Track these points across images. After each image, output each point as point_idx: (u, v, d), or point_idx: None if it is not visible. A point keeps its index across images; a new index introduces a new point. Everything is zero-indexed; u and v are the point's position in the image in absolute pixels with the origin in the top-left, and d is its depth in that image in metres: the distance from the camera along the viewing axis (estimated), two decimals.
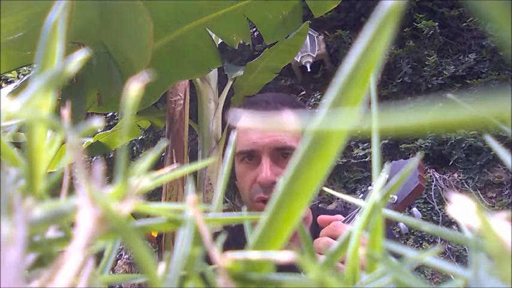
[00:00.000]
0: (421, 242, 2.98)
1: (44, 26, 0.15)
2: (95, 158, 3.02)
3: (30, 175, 0.14)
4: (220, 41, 1.98)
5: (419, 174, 0.63)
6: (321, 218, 0.65)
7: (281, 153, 0.81)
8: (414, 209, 0.64)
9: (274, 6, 1.65)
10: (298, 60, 3.78)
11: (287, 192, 0.12)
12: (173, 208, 0.15)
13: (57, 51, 0.16)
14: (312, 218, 0.88)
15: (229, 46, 1.82)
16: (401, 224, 0.65)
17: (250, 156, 0.82)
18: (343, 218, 0.65)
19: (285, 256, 0.12)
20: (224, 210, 0.18)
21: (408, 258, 0.15)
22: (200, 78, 2.37)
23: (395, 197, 0.62)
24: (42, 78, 0.14)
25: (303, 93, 3.88)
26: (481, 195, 3.04)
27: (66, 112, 0.15)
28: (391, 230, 0.83)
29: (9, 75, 4.28)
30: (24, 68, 2.74)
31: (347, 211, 0.85)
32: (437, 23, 3.56)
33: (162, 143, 0.18)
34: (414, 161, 0.65)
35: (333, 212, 0.96)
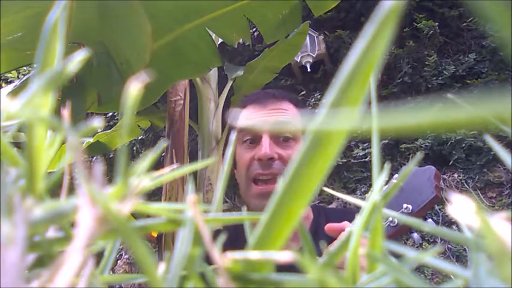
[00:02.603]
0: (421, 242, 2.98)
1: (44, 26, 0.15)
2: (95, 158, 3.02)
3: (30, 175, 0.14)
4: (220, 40, 1.98)
5: (435, 184, 0.60)
6: (329, 226, 0.64)
7: (282, 136, 0.83)
8: (430, 220, 0.62)
9: (274, 5, 1.65)
10: (298, 60, 3.78)
11: (287, 192, 0.12)
12: (173, 208, 0.15)
13: (57, 51, 0.16)
14: (312, 216, 0.88)
15: (229, 46, 1.82)
16: (414, 235, 0.64)
17: (252, 139, 0.84)
18: (351, 225, 0.63)
19: (285, 256, 0.12)
20: (224, 210, 0.18)
21: (408, 258, 0.15)
22: (200, 78, 2.37)
23: (410, 207, 0.60)
24: (42, 78, 0.14)
25: (303, 93, 3.88)
26: (481, 195, 3.03)
27: (66, 112, 0.15)
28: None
29: (9, 75, 4.28)
30: (24, 68, 2.74)
31: (349, 209, 0.84)
32: (437, 23, 3.56)
33: (162, 143, 0.18)
34: (430, 169, 0.63)
35: (333, 211, 0.96)
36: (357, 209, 0.17)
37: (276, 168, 0.81)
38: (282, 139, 0.83)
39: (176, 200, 2.00)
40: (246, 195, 0.85)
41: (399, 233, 0.64)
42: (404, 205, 0.61)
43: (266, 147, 0.80)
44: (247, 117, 0.86)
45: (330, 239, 0.63)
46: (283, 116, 0.84)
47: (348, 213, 0.86)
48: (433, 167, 0.62)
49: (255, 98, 0.90)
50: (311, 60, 3.77)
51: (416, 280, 0.13)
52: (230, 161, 0.19)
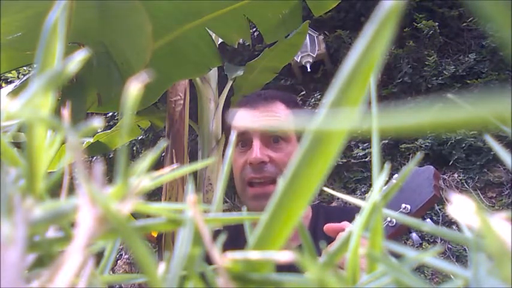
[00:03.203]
0: (421, 242, 2.97)
1: (44, 26, 0.15)
2: (95, 158, 3.02)
3: (30, 175, 0.14)
4: (220, 40, 1.98)
5: (434, 184, 0.60)
6: (328, 226, 0.64)
7: (272, 138, 0.84)
8: (428, 220, 0.62)
9: (274, 5, 1.65)
10: (298, 60, 3.78)
11: (287, 192, 0.12)
12: (173, 208, 0.15)
13: (57, 51, 0.16)
14: (311, 215, 0.88)
15: (229, 46, 1.82)
16: (413, 235, 0.64)
17: (243, 141, 0.85)
18: (350, 225, 0.63)
19: (285, 256, 0.12)
20: (224, 210, 0.18)
21: (408, 258, 0.15)
22: (200, 78, 2.37)
23: (409, 207, 0.60)
24: (42, 78, 0.14)
25: (303, 93, 3.88)
26: (481, 195, 3.03)
27: (66, 112, 0.15)
28: None
29: (9, 75, 4.29)
30: (24, 68, 2.74)
31: (349, 208, 0.84)
32: (437, 23, 3.56)
33: (162, 143, 0.18)
34: (429, 169, 0.63)
35: (333, 210, 0.96)
36: (357, 208, 0.17)
37: (268, 171, 0.82)
38: (273, 140, 0.84)
39: (176, 200, 2.00)
40: (243, 197, 0.86)
41: (398, 234, 0.64)
42: (403, 205, 0.60)
43: (257, 151, 0.81)
44: (238, 120, 0.87)
45: (329, 238, 0.63)
46: (273, 117, 0.85)
47: (348, 212, 0.86)
48: (431, 167, 0.62)
49: (246, 101, 0.91)
50: (311, 60, 3.77)
51: (416, 280, 0.13)
52: (230, 161, 0.19)
